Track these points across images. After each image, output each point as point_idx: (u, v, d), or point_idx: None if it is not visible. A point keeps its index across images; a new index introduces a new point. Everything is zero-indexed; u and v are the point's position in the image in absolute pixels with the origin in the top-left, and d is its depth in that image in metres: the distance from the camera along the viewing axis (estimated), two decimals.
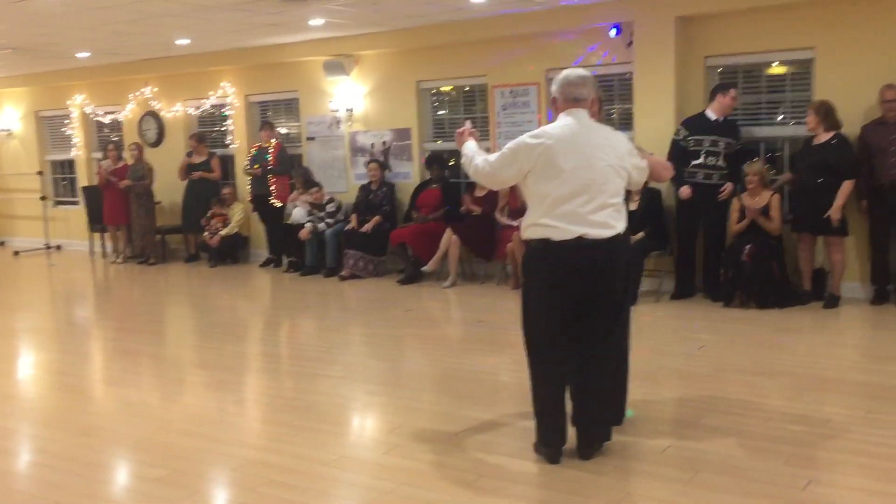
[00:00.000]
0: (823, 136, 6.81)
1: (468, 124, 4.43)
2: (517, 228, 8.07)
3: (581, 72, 3.95)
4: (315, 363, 5.94)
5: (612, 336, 3.94)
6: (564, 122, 3.87)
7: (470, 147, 4.17)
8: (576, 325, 3.86)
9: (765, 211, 7.00)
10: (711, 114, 7.27)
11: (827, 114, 6.78)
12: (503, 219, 8.43)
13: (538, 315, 3.89)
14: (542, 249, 3.83)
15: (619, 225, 3.82)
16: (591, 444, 3.91)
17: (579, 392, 3.92)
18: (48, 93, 12.82)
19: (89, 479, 3.94)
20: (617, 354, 4.02)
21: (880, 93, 6.72)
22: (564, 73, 3.95)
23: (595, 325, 3.87)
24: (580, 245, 3.74)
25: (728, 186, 7.19)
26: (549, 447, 3.89)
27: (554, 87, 3.97)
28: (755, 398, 4.71)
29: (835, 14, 7.06)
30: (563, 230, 3.75)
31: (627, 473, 3.76)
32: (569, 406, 3.96)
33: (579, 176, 3.75)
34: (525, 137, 3.88)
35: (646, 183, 4.38)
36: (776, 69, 7.63)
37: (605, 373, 3.94)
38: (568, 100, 3.89)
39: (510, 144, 3.92)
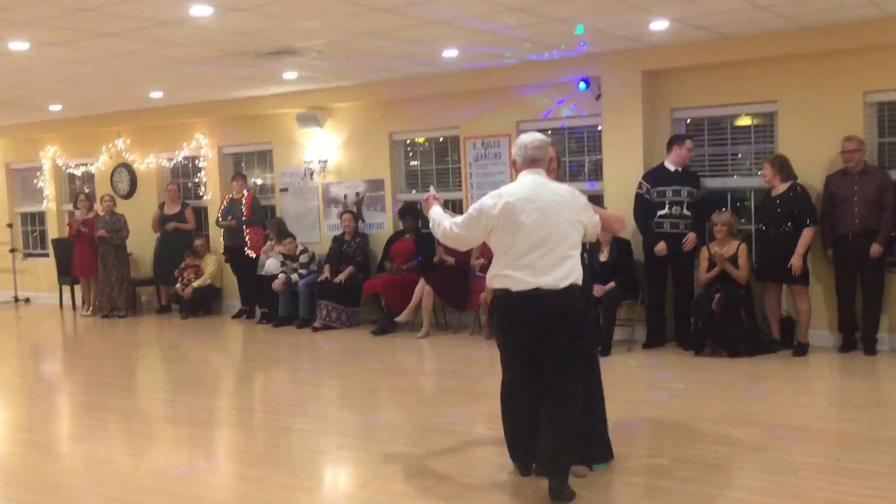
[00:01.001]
0: (781, 187, 6.98)
1: (432, 190, 4.70)
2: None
3: (538, 136, 4.29)
4: (287, 416, 5.88)
5: (571, 379, 4.11)
6: (524, 181, 4.21)
7: (436, 212, 4.43)
8: (538, 367, 4.12)
9: (733, 260, 7.10)
10: (670, 165, 7.44)
11: (782, 166, 6.96)
12: (477, 265, 8.46)
13: (504, 354, 4.28)
14: (504, 298, 4.14)
15: (573, 276, 4.08)
16: (555, 479, 3.98)
17: (543, 430, 4.08)
18: (20, 145, 12.77)
19: None
20: (577, 398, 4.13)
21: (841, 144, 6.89)
22: (522, 137, 4.30)
23: (554, 368, 4.09)
24: (537, 295, 4.02)
25: (691, 237, 7.30)
26: (517, 462, 4.36)
27: (514, 150, 4.32)
28: (727, 447, 4.73)
29: (796, 69, 7.27)
30: (522, 281, 4.05)
31: None
32: None
33: (538, 230, 4.05)
34: (486, 199, 4.20)
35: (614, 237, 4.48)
36: (741, 121, 7.82)
37: (565, 415, 4.07)
38: (526, 161, 4.24)
39: (473, 206, 4.25)
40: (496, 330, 4.36)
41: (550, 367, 4.10)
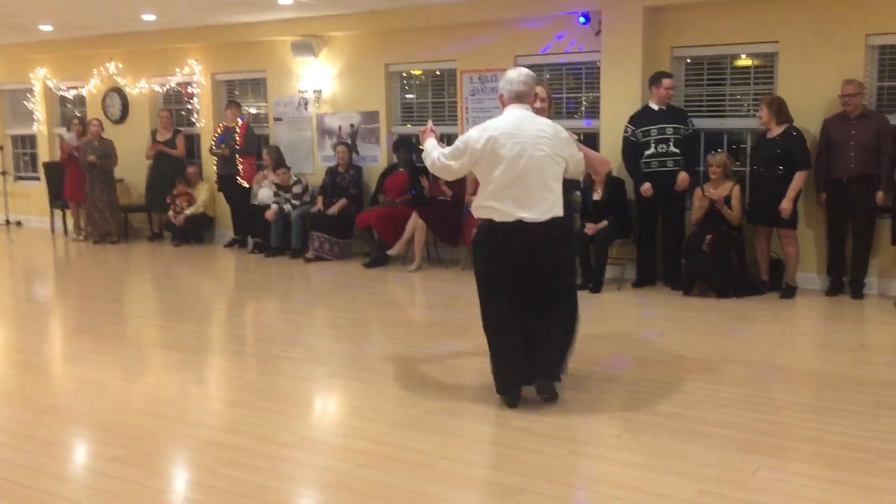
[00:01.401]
0: (776, 130, 6.95)
1: (430, 123, 4.89)
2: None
3: (524, 71, 4.44)
4: (278, 345, 5.94)
5: (557, 303, 4.43)
6: (508, 115, 4.39)
7: (430, 143, 4.62)
8: (522, 291, 4.37)
9: (727, 201, 7.11)
10: (653, 105, 7.39)
11: (779, 108, 6.92)
12: (471, 201, 8.43)
13: (486, 280, 4.48)
14: (488, 228, 4.39)
15: (556, 209, 4.31)
16: (543, 382, 4.38)
17: (531, 350, 4.39)
18: (10, 65, 12.57)
19: (46, 458, 3.92)
20: (564, 318, 4.51)
21: (840, 87, 6.84)
22: (509, 72, 4.46)
23: (540, 293, 4.38)
24: (519, 226, 4.26)
25: (682, 176, 7.27)
26: (504, 394, 4.45)
27: (501, 84, 4.47)
28: (710, 385, 4.81)
29: (799, 10, 7.16)
30: (505, 213, 4.28)
31: (582, 457, 3.83)
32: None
33: (519, 164, 4.25)
34: (472, 132, 4.39)
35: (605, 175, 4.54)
36: (741, 62, 7.73)
37: (553, 334, 4.43)
38: (512, 96, 4.41)
39: (460, 139, 4.45)
40: (479, 259, 4.53)
41: (538, 294, 4.36)
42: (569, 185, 4.64)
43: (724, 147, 7.73)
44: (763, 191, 7.03)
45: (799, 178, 6.85)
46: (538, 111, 4.58)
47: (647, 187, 7.33)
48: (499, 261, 4.36)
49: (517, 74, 4.42)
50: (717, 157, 7.20)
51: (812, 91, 7.12)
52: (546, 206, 4.28)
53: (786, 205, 6.84)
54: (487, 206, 4.34)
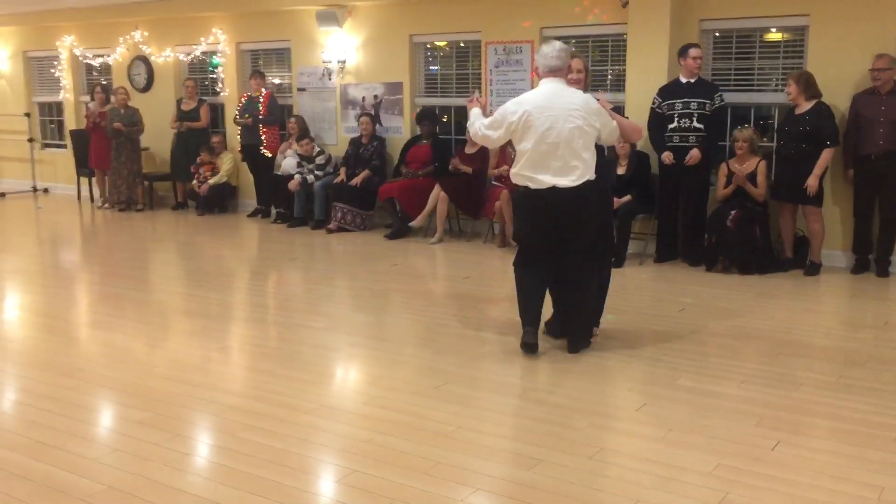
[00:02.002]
0: (805, 106, 6.84)
1: (476, 94, 5.27)
2: (506, 187, 8.10)
3: (558, 45, 4.73)
4: (299, 314, 5.98)
5: (589, 260, 4.82)
6: (542, 89, 4.72)
7: (474, 113, 4.99)
8: (557, 248, 4.78)
9: (752, 177, 7.04)
10: (682, 77, 7.31)
11: (807, 83, 6.81)
12: (494, 174, 8.42)
13: (524, 237, 4.93)
14: (524, 194, 4.78)
15: (587, 175, 4.63)
16: (574, 340, 4.89)
17: (566, 302, 4.95)
18: (37, 33, 12.64)
19: (72, 420, 4.00)
20: (595, 276, 4.93)
21: (872, 61, 6.72)
22: (543, 47, 4.77)
23: (575, 251, 4.76)
24: (553, 192, 4.62)
25: (693, 153, 7.18)
26: (526, 332, 4.83)
27: (537, 59, 4.79)
28: (731, 361, 4.80)
29: None
30: (539, 181, 4.64)
31: (601, 429, 3.84)
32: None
33: (552, 135, 4.58)
34: (510, 105, 4.75)
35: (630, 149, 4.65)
36: (770, 35, 7.61)
37: (585, 289, 4.86)
38: (546, 70, 4.72)
39: (499, 110, 4.78)
40: (519, 218, 5.04)
41: (571, 259, 4.76)
42: (601, 161, 4.87)
43: (751, 122, 7.64)
44: (789, 167, 6.95)
45: (826, 155, 6.76)
46: (574, 83, 4.86)
47: (667, 155, 7.25)
48: (535, 223, 4.77)
49: (550, 49, 4.70)
50: (743, 132, 7.12)
51: (842, 66, 7.01)
52: (578, 173, 4.60)
53: (812, 181, 6.76)
54: (523, 174, 4.70)
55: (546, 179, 4.61)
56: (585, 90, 4.93)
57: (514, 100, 4.77)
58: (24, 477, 3.39)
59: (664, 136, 7.33)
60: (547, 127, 4.56)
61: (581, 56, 5.14)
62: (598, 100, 4.82)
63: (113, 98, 11.20)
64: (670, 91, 7.34)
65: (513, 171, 4.82)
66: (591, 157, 4.65)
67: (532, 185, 4.66)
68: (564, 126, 4.55)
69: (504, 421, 3.96)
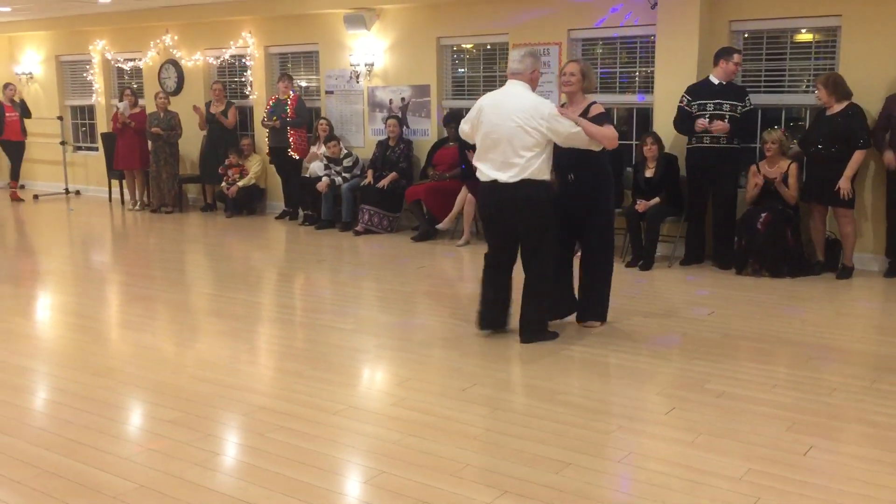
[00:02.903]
0: (836, 107, 6.75)
1: None
2: None
3: (522, 50, 5.06)
4: (327, 315, 6.01)
5: (536, 256, 5.07)
6: (502, 89, 5.07)
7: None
8: (505, 247, 5.15)
9: (783, 179, 6.96)
10: (714, 78, 7.23)
11: (836, 85, 6.72)
12: None
13: (484, 233, 5.30)
14: (479, 186, 5.12)
15: (525, 173, 4.86)
16: (523, 331, 5.18)
17: (522, 308, 5.18)
18: (69, 37, 12.83)
19: (104, 419, 4.05)
20: (544, 274, 5.13)
21: None
22: (512, 51, 5.16)
23: (523, 247, 5.11)
24: (495, 186, 4.94)
25: (718, 124, 7.07)
26: (480, 322, 5.33)
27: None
28: (762, 365, 4.75)
29: None
30: (484, 174, 5.00)
31: (630, 433, 3.82)
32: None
33: (496, 132, 4.89)
34: (476, 103, 5.10)
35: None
36: (801, 36, 7.53)
37: (531, 281, 5.13)
38: (510, 73, 5.03)
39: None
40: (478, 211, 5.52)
41: (521, 248, 5.11)
42: (603, 157, 5.19)
43: (782, 124, 7.56)
44: (819, 169, 6.86)
45: (857, 157, 6.67)
46: (565, 86, 5.19)
47: (701, 122, 7.14)
48: (484, 213, 5.24)
49: (514, 53, 5.06)
50: (772, 133, 7.05)
51: (875, 67, 6.92)
52: (516, 171, 4.86)
53: (843, 184, 6.68)
54: (476, 166, 5.10)
55: (489, 173, 4.95)
56: (586, 93, 5.26)
57: (482, 97, 5.17)
58: (58, 475, 3.44)
59: (692, 130, 7.25)
60: (494, 123, 4.89)
61: (579, 61, 5.35)
62: (561, 106, 5.12)
63: (142, 101, 11.32)
64: (701, 91, 7.27)
65: (473, 161, 5.21)
66: (534, 158, 4.86)
67: (481, 178, 5.04)
68: (509, 125, 4.84)
69: (532, 423, 3.95)
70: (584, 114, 5.08)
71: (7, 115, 12.13)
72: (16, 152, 12.42)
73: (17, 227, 10.59)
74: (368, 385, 4.72)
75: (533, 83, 5.02)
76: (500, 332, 5.39)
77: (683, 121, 7.32)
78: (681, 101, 7.36)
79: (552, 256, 5.17)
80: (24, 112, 12.38)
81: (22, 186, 13.13)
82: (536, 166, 4.88)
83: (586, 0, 8.27)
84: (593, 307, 5.50)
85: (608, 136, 5.01)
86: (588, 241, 5.38)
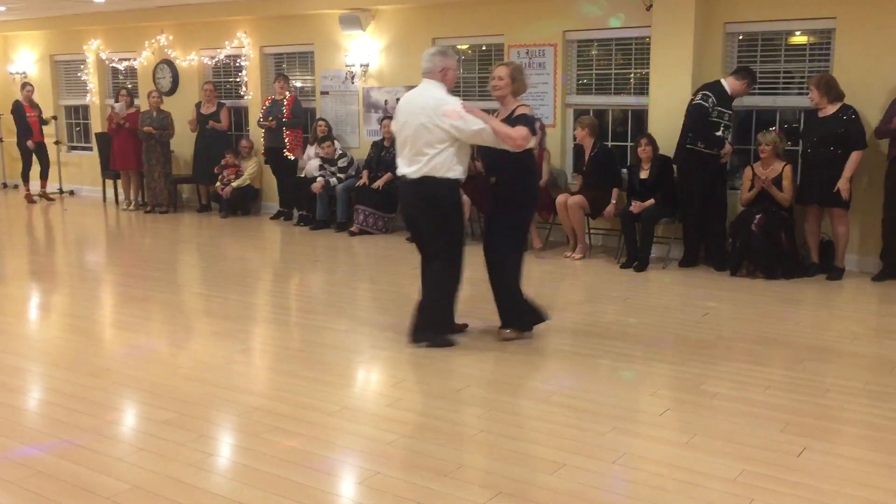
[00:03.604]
0: (830, 109, 6.77)
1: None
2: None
3: (432, 49, 5.10)
4: (322, 316, 6.01)
5: (437, 258, 5.08)
6: (416, 88, 5.12)
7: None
8: (421, 238, 5.19)
9: (777, 181, 6.98)
10: (728, 88, 7.20)
11: (829, 87, 6.73)
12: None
13: None
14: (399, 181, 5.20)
15: (426, 169, 4.91)
16: (418, 328, 5.17)
17: (421, 308, 5.19)
18: (64, 36, 12.80)
19: (98, 419, 4.04)
20: (443, 272, 5.11)
21: None
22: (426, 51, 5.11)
23: (429, 243, 5.12)
24: (405, 181, 5.05)
25: (728, 149, 7.19)
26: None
27: None
28: (756, 366, 4.76)
29: None
30: (399, 168, 5.12)
31: (625, 434, 3.82)
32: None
33: (404, 130, 5.01)
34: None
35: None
36: (796, 38, 7.55)
37: (431, 278, 5.16)
38: (422, 72, 5.07)
39: None
40: None
41: (427, 241, 5.13)
42: (514, 156, 4.96)
43: (777, 126, 7.58)
44: (814, 171, 6.87)
45: (855, 158, 6.69)
46: (494, 89, 5.12)
47: (728, 150, 7.18)
48: (401, 206, 5.40)
49: (426, 52, 5.09)
50: (767, 135, 7.06)
51: (870, 69, 6.94)
52: (419, 165, 4.92)
53: (843, 184, 6.68)
54: (397, 160, 5.17)
55: (401, 168, 5.08)
56: (517, 95, 5.16)
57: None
58: (51, 475, 3.43)
59: (710, 138, 7.17)
60: (404, 121, 5.01)
61: (508, 64, 5.25)
62: (514, 109, 5.04)
63: (138, 101, 11.31)
64: (720, 97, 7.15)
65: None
66: (437, 154, 4.89)
67: (397, 173, 5.17)
68: (414, 122, 4.93)
69: (527, 424, 3.95)
70: (510, 116, 5.06)
71: (28, 115, 11.98)
72: (30, 153, 12.19)
73: (11, 227, 10.56)
74: (363, 386, 4.72)
75: (447, 82, 5.01)
76: (492, 333, 5.39)
77: (705, 120, 7.12)
78: (704, 100, 7.12)
79: (453, 263, 5.08)
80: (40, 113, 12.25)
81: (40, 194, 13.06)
82: (439, 162, 4.88)
83: (581, 1, 8.25)
84: (506, 313, 5.33)
85: (511, 135, 4.85)
86: (500, 243, 5.23)
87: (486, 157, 5.23)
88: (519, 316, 5.30)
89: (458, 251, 5.12)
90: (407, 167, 5.01)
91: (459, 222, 5.12)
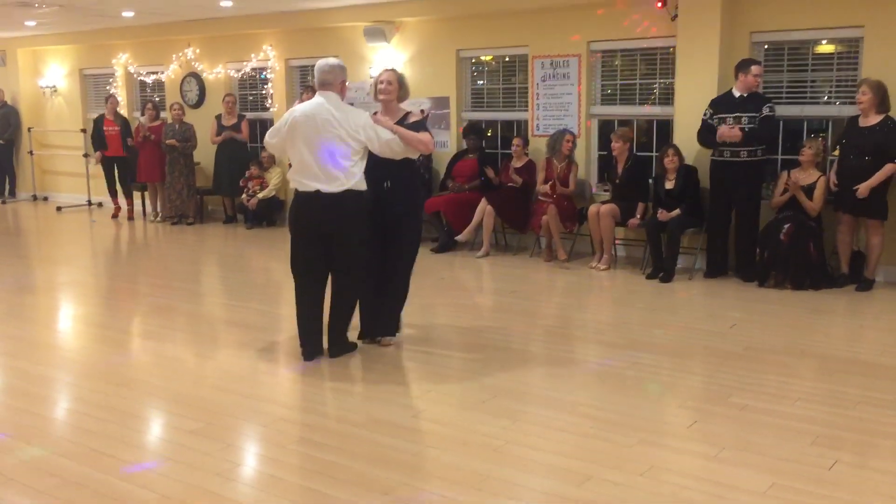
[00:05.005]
0: (873, 119, 6.66)
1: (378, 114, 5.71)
2: (553, 201, 8.08)
3: (330, 61, 5.09)
4: None
5: (351, 269, 5.09)
6: (313, 100, 5.03)
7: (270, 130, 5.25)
8: (320, 258, 5.02)
9: (809, 190, 6.90)
10: (736, 91, 7.20)
11: (883, 95, 6.63)
12: (541, 189, 8.33)
13: (295, 248, 5.10)
14: (295, 197, 5.05)
15: (350, 183, 4.89)
16: (334, 347, 5.15)
17: (330, 320, 5.15)
18: (93, 51, 12.97)
19: (126, 429, 4.06)
20: (359, 285, 5.20)
21: None
22: (318, 62, 5.09)
23: (336, 260, 5.04)
24: (317, 196, 4.89)
25: (734, 131, 7.06)
26: (303, 347, 5.12)
27: (314, 74, 5.08)
28: (785, 378, 4.70)
29: None
30: (305, 184, 4.94)
31: (652, 446, 3.79)
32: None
33: (312, 142, 4.89)
34: (285, 114, 5.12)
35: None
36: (823, 47, 7.49)
37: (344, 296, 5.16)
38: (318, 84, 5.04)
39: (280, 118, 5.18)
40: (289, 225, 5.14)
41: (335, 259, 5.03)
42: (405, 163, 5.19)
43: (804, 135, 7.51)
44: (851, 180, 6.74)
45: (888, 169, 6.57)
46: (382, 94, 5.17)
47: (723, 129, 7.09)
48: (301, 225, 5.03)
49: (322, 63, 5.06)
50: (813, 142, 7.01)
51: None
52: (340, 181, 4.87)
53: (863, 188, 6.57)
54: (293, 178, 5.02)
55: (310, 183, 4.90)
56: (401, 102, 5.28)
57: (289, 110, 5.18)
58: (80, 484, 3.45)
59: (715, 143, 7.22)
60: (309, 134, 4.89)
61: (395, 71, 5.33)
62: (374, 114, 5.09)
63: (164, 114, 11.43)
64: (722, 104, 7.24)
65: (288, 174, 5.19)
66: (354, 167, 4.91)
67: (300, 189, 4.97)
68: (326, 135, 4.86)
69: (553, 436, 3.93)
70: (402, 121, 5.13)
71: (107, 129, 11.65)
72: (111, 167, 11.81)
73: (40, 238, 10.70)
74: (389, 397, 4.71)
75: (342, 93, 5.07)
76: (519, 346, 5.37)
77: (706, 134, 7.29)
78: (704, 115, 7.34)
79: (362, 277, 5.19)
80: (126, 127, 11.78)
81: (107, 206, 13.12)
82: (358, 177, 4.93)
83: (606, 12, 8.24)
84: (389, 320, 5.43)
85: (424, 140, 5.09)
86: (397, 248, 5.28)
87: (376, 166, 5.08)
88: (397, 322, 5.48)
89: (364, 265, 5.19)
90: (321, 182, 4.87)
91: (368, 234, 5.16)
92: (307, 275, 5.08)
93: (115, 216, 11.89)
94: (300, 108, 5.05)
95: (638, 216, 7.73)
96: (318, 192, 4.89)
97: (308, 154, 4.91)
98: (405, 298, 5.48)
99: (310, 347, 5.11)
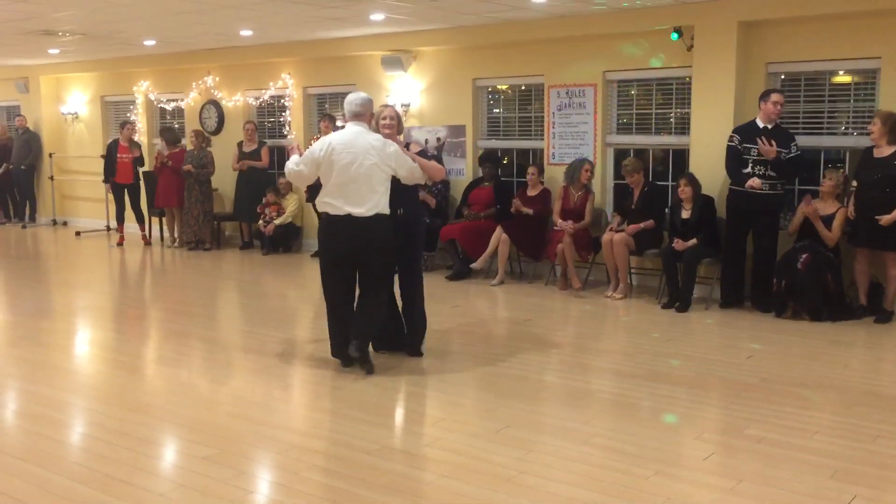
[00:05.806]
0: (887, 150, 6.63)
1: (294, 143, 6.75)
2: (568, 230, 8.07)
3: (361, 95, 5.50)
4: None
5: (379, 283, 5.42)
6: (347, 130, 5.43)
7: (293, 159, 5.57)
8: (350, 272, 5.43)
9: (829, 220, 6.86)
10: (760, 121, 7.17)
11: (893, 125, 6.61)
12: (559, 221, 8.32)
13: (324, 261, 5.51)
14: (325, 220, 5.45)
15: (379, 207, 5.28)
16: (357, 351, 5.34)
17: (356, 321, 5.42)
18: (114, 78, 13.15)
19: (140, 454, 4.07)
20: (384, 297, 5.52)
21: None
22: (349, 95, 5.50)
23: (368, 278, 5.41)
24: (349, 219, 5.25)
25: (754, 181, 7.01)
26: (336, 356, 5.52)
27: (344, 105, 5.50)
28: (803, 410, 4.65)
29: None
30: (337, 207, 5.29)
31: (669, 478, 3.75)
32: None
33: (352, 169, 5.23)
34: (317, 144, 5.45)
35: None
36: (839, 78, 7.48)
37: (373, 312, 5.45)
38: (350, 116, 5.44)
39: (308, 149, 5.52)
40: (320, 244, 5.61)
41: (365, 277, 5.40)
42: (411, 188, 5.63)
43: (821, 166, 7.49)
44: (867, 212, 6.69)
45: None
46: (385, 128, 5.52)
47: (752, 180, 7.03)
48: (332, 246, 5.40)
49: (355, 97, 5.44)
50: (835, 174, 6.97)
51: None
52: (372, 203, 5.24)
53: (887, 219, 6.51)
54: (325, 201, 5.35)
55: (342, 207, 5.24)
56: (399, 134, 5.73)
57: (319, 140, 5.53)
58: None
59: (742, 171, 7.16)
60: (348, 161, 5.23)
61: (392, 107, 5.82)
62: (406, 145, 5.65)
63: (184, 140, 11.55)
64: (748, 132, 7.16)
65: (318, 198, 5.46)
66: (384, 192, 5.32)
67: (331, 212, 5.31)
68: (363, 162, 5.23)
69: (568, 467, 3.90)
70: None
71: (120, 156, 11.66)
72: (121, 194, 11.84)
73: (59, 263, 10.79)
74: (402, 425, 4.70)
75: (370, 124, 5.49)
76: (533, 375, 5.34)
77: (735, 161, 7.17)
78: (731, 141, 7.22)
79: (390, 296, 5.60)
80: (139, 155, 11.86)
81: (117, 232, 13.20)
82: (385, 200, 5.32)
83: (622, 42, 8.29)
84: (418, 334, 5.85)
85: (438, 168, 5.72)
86: (405, 268, 5.68)
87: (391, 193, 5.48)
88: (372, 335, 5.62)
89: (392, 284, 5.58)
90: (356, 206, 5.24)
91: (393, 257, 5.52)
92: (339, 295, 5.46)
93: (119, 244, 11.83)
94: (336, 137, 5.39)
95: (615, 224, 7.91)
96: (349, 215, 5.24)
97: (344, 179, 5.24)
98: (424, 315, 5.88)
99: (346, 358, 5.47)
